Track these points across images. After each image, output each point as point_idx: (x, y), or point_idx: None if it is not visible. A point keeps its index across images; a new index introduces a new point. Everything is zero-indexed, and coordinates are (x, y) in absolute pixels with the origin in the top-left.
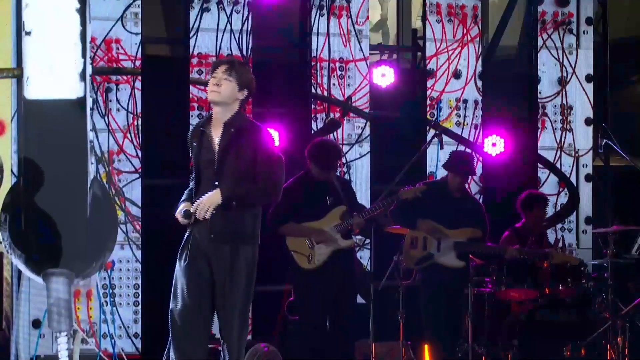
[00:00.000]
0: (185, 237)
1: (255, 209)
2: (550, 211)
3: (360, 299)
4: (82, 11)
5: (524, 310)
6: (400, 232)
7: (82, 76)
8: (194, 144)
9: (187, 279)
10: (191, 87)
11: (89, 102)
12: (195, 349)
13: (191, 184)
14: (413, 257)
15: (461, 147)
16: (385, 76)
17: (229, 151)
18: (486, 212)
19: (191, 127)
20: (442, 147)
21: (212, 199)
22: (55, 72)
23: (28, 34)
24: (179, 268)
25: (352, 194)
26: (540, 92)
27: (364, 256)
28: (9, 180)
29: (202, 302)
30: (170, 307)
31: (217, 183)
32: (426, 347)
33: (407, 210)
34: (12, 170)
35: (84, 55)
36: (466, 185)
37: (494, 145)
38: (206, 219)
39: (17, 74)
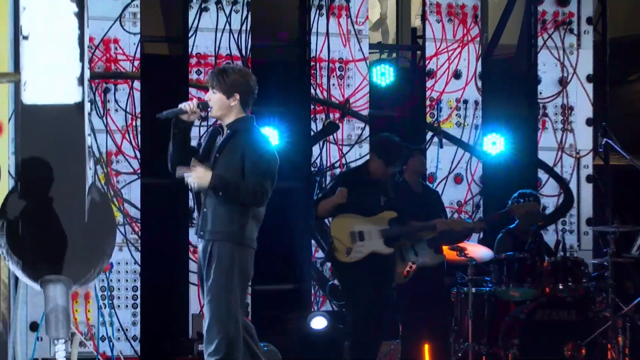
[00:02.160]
0: None
1: (244, 209)
2: (550, 212)
3: None
4: (80, 15)
5: (524, 309)
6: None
7: (80, 80)
8: (205, 143)
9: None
10: (190, 88)
11: (87, 107)
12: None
13: None
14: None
15: (460, 150)
16: (384, 75)
17: (221, 152)
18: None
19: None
20: (441, 147)
21: (202, 176)
22: (53, 76)
23: (25, 38)
24: None
25: (405, 199)
26: (540, 93)
27: None
28: (6, 182)
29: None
30: None
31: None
32: (426, 346)
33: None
34: (9, 172)
35: (81, 59)
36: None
37: (494, 144)
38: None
39: (17, 79)
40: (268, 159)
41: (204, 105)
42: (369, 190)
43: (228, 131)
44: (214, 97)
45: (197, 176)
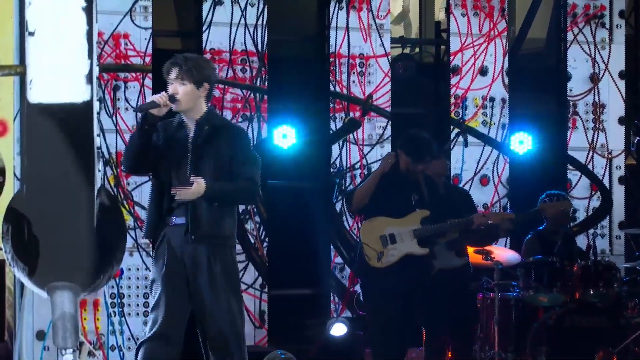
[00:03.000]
0: (158, 243)
1: (233, 210)
2: (581, 215)
3: None
4: (89, 9)
5: (553, 315)
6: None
7: (89, 78)
8: (164, 139)
9: (167, 287)
10: None
11: (96, 106)
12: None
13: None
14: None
15: (488, 148)
16: (406, 71)
17: (204, 149)
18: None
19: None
20: (467, 146)
21: (197, 190)
22: (60, 74)
23: (31, 34)
24: (155, 279)
25: (439, 197)
26: (571, 90)
27: None
28: (11, 184)
29: (181, 310)
30: (151, 317)
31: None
32: (450, 354)
33: None
34: (14, 173)
35: (90, 56)
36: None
37: (521, 143)
38: (179, 225)
39: (19, 71)
40: (255, 155)
41: (172, 98)
42: (400, 189)
43: (206, 127)
44: (183, 89)
45: (194, 192)
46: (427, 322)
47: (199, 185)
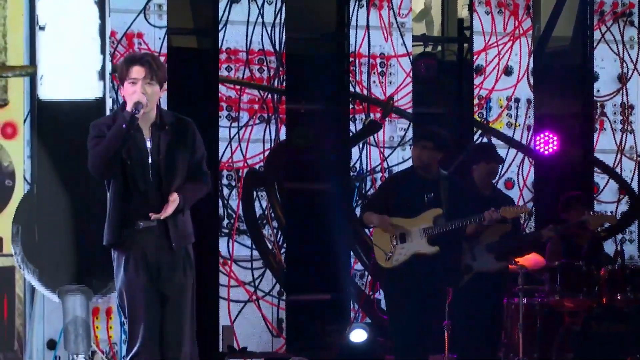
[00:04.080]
0: (127, 250)
1: None
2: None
3: None
4: (101, 4)
5: (579, 321)
6: None
7: (101, 75)
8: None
9: (146, 298)
10: (219, 85)
11: (109, 103)
12: None
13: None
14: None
15: (512, 150)
16: (428, 70)
17: (163, 151)
18: (538, 218)
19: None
20: None
21: (173, 206)
22: (72, 70)
23: (42, 28)
24: (131, 285)
25: (459, 197)
26: (598, 90)
27: None
28: (21, 187)
29: (158, 320)
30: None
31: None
32: None
33: None
34: (24, 176)
35: (103, 51)
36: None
37: (547, 143)
38: (149, 228)
39: (30, 71)
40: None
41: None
42: (414, 189)
43: (167, 127)
44: (152, 90)
45: (172, 210)
46: (456, 328)
47: (174, 203)
